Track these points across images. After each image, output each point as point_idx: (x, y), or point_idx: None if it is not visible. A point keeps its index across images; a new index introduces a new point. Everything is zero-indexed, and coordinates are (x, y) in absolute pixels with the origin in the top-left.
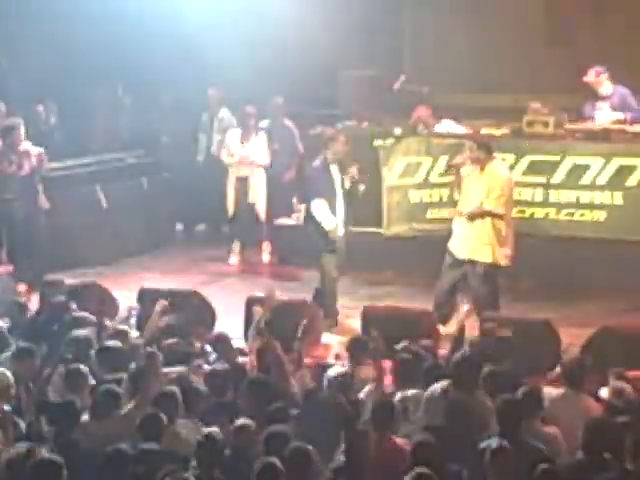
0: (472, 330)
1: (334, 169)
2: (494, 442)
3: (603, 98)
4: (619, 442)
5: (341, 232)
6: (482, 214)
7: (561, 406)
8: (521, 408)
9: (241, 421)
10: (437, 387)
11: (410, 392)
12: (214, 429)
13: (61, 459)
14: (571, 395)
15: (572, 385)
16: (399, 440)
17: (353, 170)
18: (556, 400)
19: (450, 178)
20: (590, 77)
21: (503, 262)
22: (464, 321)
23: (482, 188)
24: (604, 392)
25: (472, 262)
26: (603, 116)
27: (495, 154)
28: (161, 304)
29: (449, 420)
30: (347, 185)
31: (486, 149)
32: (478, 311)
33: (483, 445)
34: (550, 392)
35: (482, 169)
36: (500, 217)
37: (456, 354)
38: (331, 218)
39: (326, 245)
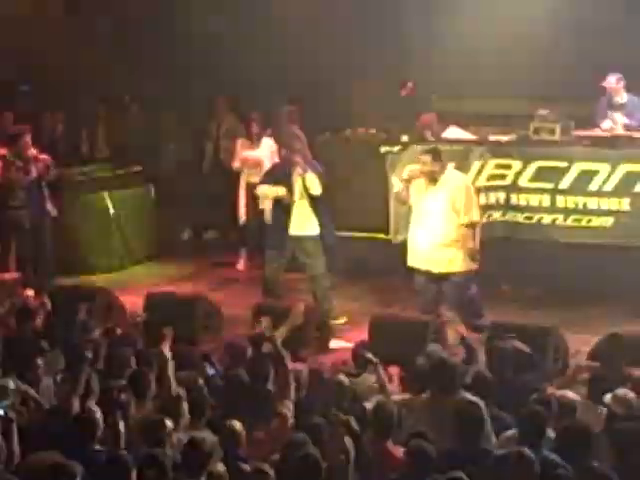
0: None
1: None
2: (516, 450)
3: (616, 107)
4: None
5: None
6: (474, 228)
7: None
8: (543, 418)
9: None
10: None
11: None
12: (201, 434)
13: (78, 465)
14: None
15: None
16: (391, 446)
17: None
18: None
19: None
20: (610, 83)
21: (475, 267)
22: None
23: (442, 200)
24: (607, 398)
25: (447, 274)
26: (615, 125)
27: (445, 162)
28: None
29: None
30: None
31: (439, 160)
32: (468, 318)
33: (501, 453)
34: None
35: (435, 181)
36: (465, 224)
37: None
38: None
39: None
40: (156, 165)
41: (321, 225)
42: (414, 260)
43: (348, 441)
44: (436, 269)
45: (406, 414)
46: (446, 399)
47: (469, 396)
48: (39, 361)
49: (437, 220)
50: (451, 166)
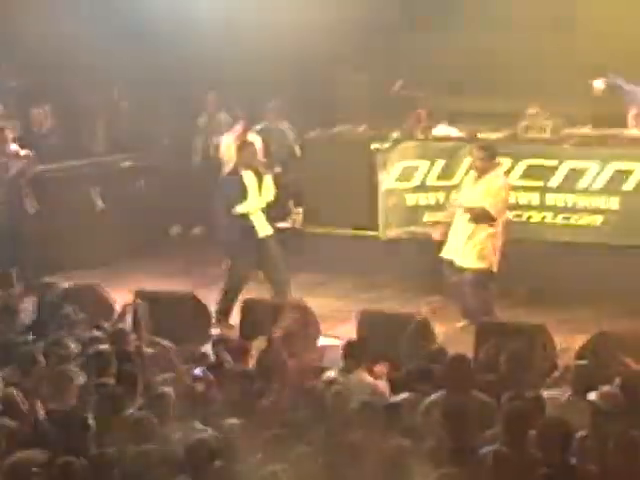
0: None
1: (247, 175)
2: (496, 447)
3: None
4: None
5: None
6: (482, 214)
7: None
8: (528, 415)
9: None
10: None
11: (401, 396)
12: (206, 433)
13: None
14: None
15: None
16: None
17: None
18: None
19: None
20: (599, 85)
21: (495, 268)
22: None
23: (480, 197)
24: (592, 395)
25: (466, 269)
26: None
27: (498, 162)
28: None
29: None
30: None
31: (490, 154)
32: (472, 318)
33: (484, 450)
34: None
35: (482, 174)
36: (496, 223)
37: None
38: None
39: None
40: (146, 160)
41: None
42: (446, 249)
43: None
44: (458, 261)
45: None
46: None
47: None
48: None
49: (469, 214)
50: (502, 168)
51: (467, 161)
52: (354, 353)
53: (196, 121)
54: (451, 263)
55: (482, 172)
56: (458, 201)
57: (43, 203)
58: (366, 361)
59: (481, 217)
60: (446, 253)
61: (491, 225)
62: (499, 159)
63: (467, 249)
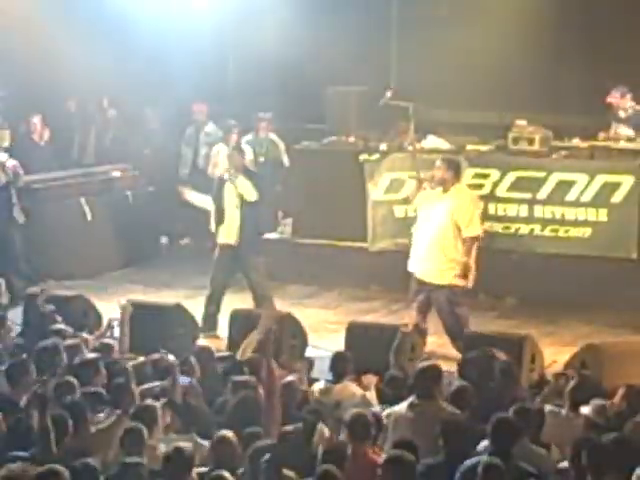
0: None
1: (228, 186)
2: (485, 459)
3: (622, 120)
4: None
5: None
6: (472, 243)
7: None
8: (515, 427)
9: (222, 433)
10: (404, 403)
11: (397, 408)
12: (183, 443)
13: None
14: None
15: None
16: (375, 455)
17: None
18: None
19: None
20: (615, 97)
21: (466, 284)
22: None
23: (446, 211)
24: (585, 409)
25: (439, 286)
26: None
27: (462, 177)
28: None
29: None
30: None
31: (455, 170)
32: (450, 334)
33: (472, 462)
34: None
35: (446, 190)
36: (468, 238)
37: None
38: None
39: None
40: (135, 170)
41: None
42: (412, 264)
43: None
44: (427, 279)
45: (389, 422)
46: (428, 407)
47: (450, 407)
48: None
49: (437, 230)
50: (464, 180)
51: None
52: (342, 364)
53: (184, 132)
54: (420, 280)
55: (447, 186)
56: (422, 216)
57: (32, 213)
58: (354, 372)
59: (451, 235)
60: (414, 269)
61: (464, 241)
62: (488, 170)
63: (440, 266)
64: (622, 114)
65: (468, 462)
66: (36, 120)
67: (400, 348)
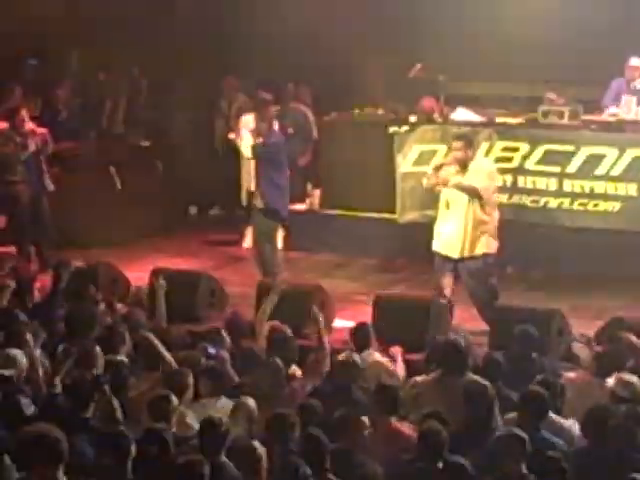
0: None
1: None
2: (511, 430)
3: (634, 92)
4: (619, 428)
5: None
6: (473, 194)
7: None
8: (544, 400)
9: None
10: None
11: (420, 378)
12: (217, 414)
13: (61, 433)
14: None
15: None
16: (400, 425)
17: None
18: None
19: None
20: (635, 62)
21: (493, 251)
22: None
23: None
24: (610, 381)
25: (466, 258)
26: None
27: (476, 149)
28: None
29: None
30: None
31: (472, 146)
32: (479, 304)
33: (501, 433)
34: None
35: (466, 167)
36: (488, 208)
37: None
38: None
39: None
40: (165, 140)
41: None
42: (437, 244)
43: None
44: (456, 255)
45: (416, 394)
46: (455, 380)
47: (477, 378)
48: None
49: (462, 207)
50: (480, 153)
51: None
52: (363, 336)
53: (214, 102)
54: (447, 258)
55: (464, 163)
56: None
57: (61, 181)
58: (381, 343)
59: (477, 209)
60: (441, 248)
61: (485, 212)
62: (518, 144)
63: (469, 238)
64: (637, 85)
65: (497, 433)
66: (63, 89)
67: (438, 320)
